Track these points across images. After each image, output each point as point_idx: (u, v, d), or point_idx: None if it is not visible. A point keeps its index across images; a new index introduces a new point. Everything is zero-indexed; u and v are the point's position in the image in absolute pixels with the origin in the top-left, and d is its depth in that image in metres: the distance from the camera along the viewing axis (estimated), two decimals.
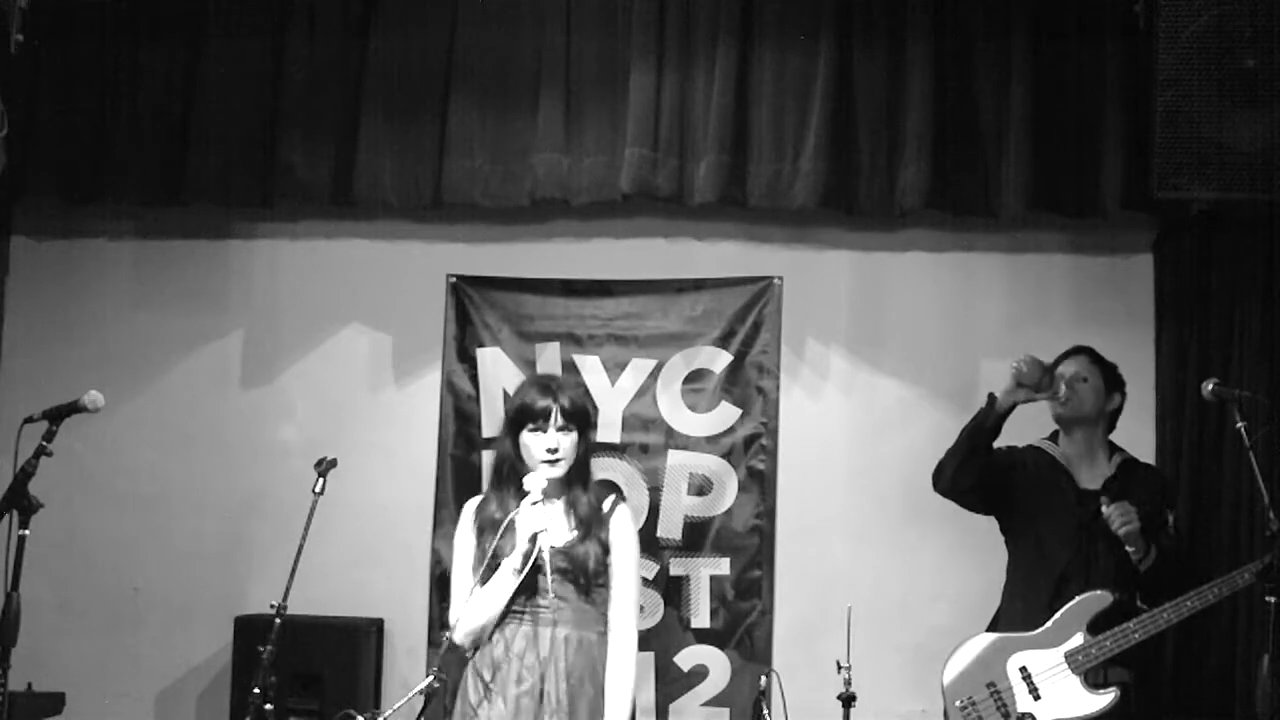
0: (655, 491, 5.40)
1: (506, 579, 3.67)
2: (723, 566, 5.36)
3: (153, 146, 5.42)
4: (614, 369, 5.48)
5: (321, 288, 5.70)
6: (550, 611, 3.70)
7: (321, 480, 4.03)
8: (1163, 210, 5.08)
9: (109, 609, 5.64)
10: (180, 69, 5.43)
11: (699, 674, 5.33)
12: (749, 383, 5.42)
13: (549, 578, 3.65)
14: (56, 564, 5.42)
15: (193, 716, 5.57)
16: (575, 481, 3.80)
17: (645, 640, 5.31)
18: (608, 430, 5.42)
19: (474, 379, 5.52)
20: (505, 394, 5.44)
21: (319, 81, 5.38)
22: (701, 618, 5.35)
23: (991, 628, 4.42)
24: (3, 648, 3.66)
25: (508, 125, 5.31)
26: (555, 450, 3.71)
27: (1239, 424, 4.01)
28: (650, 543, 5.35)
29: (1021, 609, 4.35)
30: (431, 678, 3.82)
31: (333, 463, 4.11)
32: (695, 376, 5.43)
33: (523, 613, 3.71)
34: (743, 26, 5.19)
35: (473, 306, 5.55)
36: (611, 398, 5.45)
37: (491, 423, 5.43)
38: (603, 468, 5.40)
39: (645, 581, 5.33)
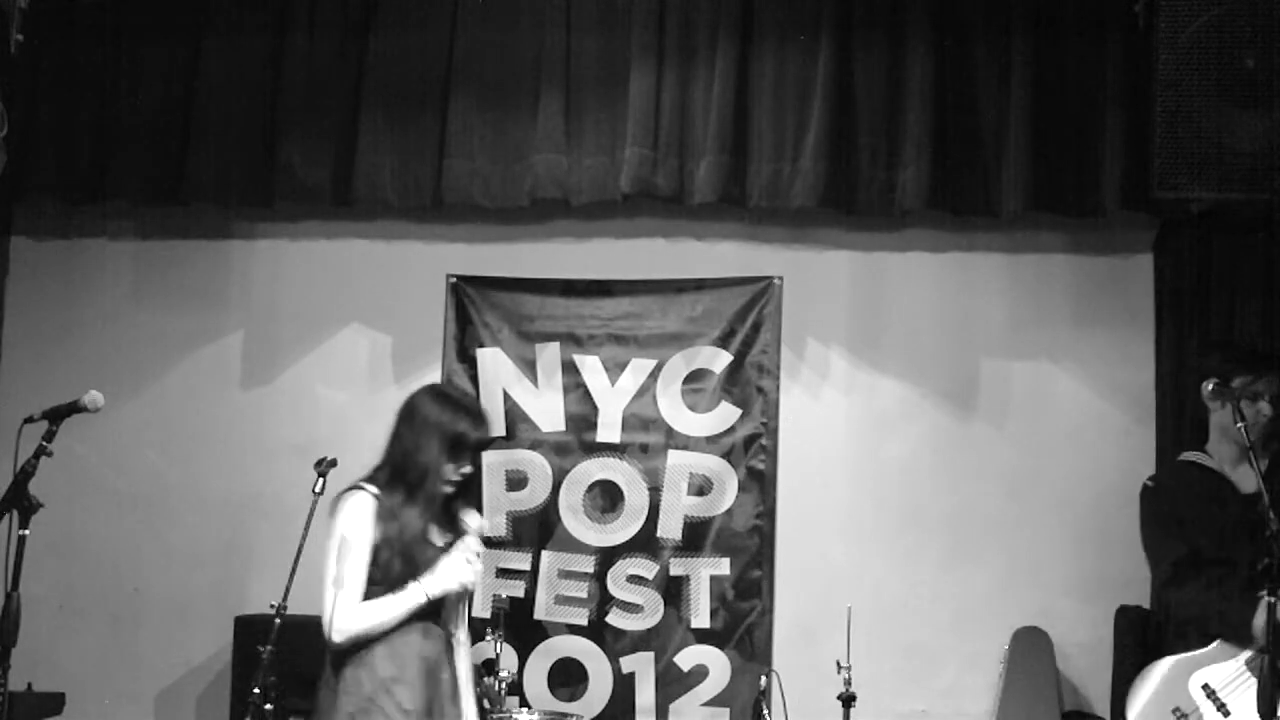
0: (655, 491, 5.40)
1: (415, 599, 3.55)
2: (723, 566, 5.36)
3: (153, 146, 5.43)
4: (614, 369, 5.47)
5: (321, 288, 5.70)
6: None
7: (321, 480, 4.01)
8: (1162, 210, 5.08)
9: (109, 609, 5.63)
10: (180, 69, 5.43)
11: (699, 674, 5.33)
12: (749, 383, 5.41)
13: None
14: (56, 564, 5.43)
15: (193, 716, 5.57)
16: None
17: (645, 640, 5.33)
18: (608, 430, 5.43)
19: (474, 379, 5.51)
20: (505, 394, 5.46)
21: (319, 81, 5.39)
22: (701, 618, 5.35)
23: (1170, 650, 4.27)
24: (3, 648, 3.65)
25: (508, 125, 5.32)
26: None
27: (1239, 424, 4.00)
28: (650, 542, 5.36)
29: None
30: None
31: (333, 463, 4.09)
32: (695, 376, 5.43)
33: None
34: (743, 26, 5.19)
35: (473, 307, 5.54)
36: (611, 398, 5.45)
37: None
38: (603, 468, 5.42)
39: (644, 581, 5.35)
